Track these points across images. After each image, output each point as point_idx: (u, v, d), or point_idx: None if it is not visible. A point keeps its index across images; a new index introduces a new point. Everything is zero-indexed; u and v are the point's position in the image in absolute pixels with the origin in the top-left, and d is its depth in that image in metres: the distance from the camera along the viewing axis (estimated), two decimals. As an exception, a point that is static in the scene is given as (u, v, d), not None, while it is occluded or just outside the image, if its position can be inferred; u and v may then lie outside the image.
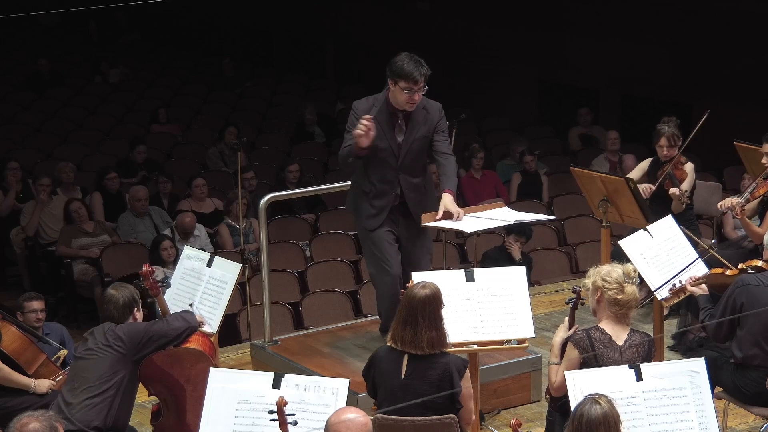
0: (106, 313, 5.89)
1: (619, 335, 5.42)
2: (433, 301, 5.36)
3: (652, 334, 7.17)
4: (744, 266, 6.27)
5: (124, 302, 5.86)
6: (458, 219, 6.77)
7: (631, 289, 5.43)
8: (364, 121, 6.65)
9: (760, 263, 6.20)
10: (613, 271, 5.46)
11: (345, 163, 7.06)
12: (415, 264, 7.04)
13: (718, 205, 8.00)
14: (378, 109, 6.85)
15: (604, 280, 5.43)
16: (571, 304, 5.70)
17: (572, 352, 5.40)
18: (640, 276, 6.76)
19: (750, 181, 8.32)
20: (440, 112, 7.00)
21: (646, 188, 8.14)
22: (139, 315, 5.92)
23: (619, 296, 5.41)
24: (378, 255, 7.05)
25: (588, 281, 5.53)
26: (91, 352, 5.73)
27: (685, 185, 8.12)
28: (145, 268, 6.15)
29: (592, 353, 5.33)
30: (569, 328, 5.57)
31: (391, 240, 7.05)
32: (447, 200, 6.81)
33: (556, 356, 5.54)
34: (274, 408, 4.53)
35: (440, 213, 6.78)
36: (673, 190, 8.00)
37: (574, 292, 5.73)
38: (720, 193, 10.79)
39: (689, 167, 8.25)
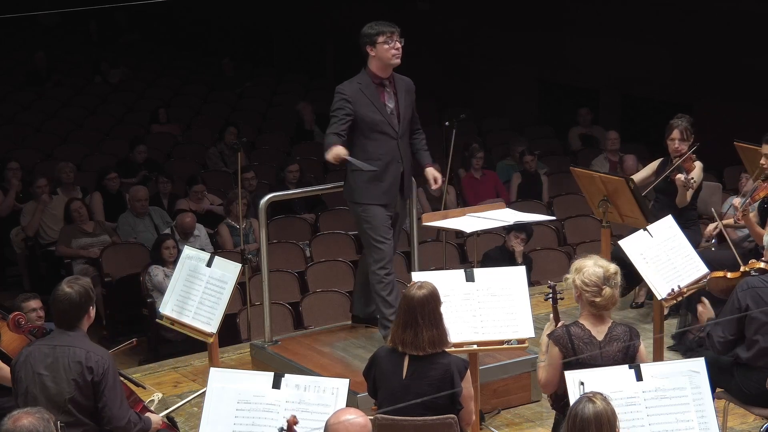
0: (58, 314, 5.42)
1: (600, 330, 5.39)
2: (432, 300, 5.34)
3: (652, 334, 7.20)
4: (746, 269, 6.25)
5: (80, 300, 5.38)
6: (437, 186, 7.06)
7: (609, 291, 5.36)
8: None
9: (762, 265, 6.20)
10: (593, 272, 5.38)
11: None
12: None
13: (705, 233, 8.05)
14: (363, 85, 6.99)
15: (583, 282, 5.37)
16: (550, 300, 5.70)
17: (553, 350, 5.38)
18: (637, 276, 6.79)
19: (747, 181, 8.28)
20: (413, 86, 7.25)
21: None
22: (93, 312, 5.50)
23: (597, 299, 5.37)
24: (377, 246, 7.09)
25: (569, 277, 5.48)
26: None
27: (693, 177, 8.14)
28: (11, 317, 5.78)
29: (572, 350, 5.31)
30: (555, 324, 5.58)
31: (390, 233, 7.12)
32: (433, 170, 7.14)
33: (543, 354, 5.52)
34: (284, 425, 4.40)
35: (433, 182, 7.06)
36: (678, 176, 7.99)
37: (549, 287, 5.73)
38: (720, 193, 10.81)
39: (699, 165, 8.26)
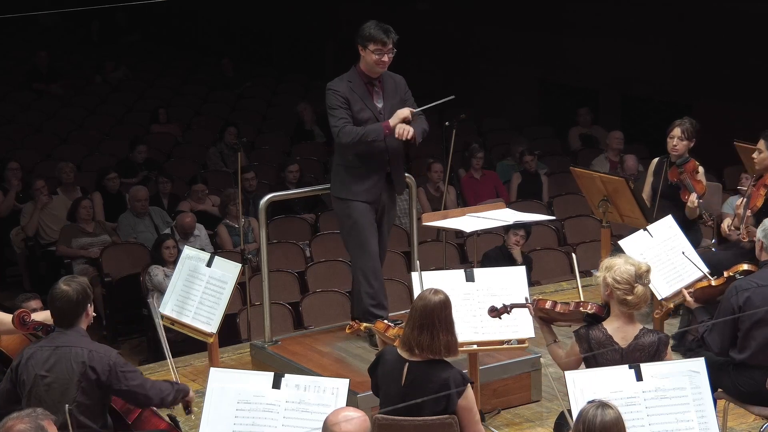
0: (56, 312, 5.45)
1: (626, 335, 5.34)
2: (447, 305, 5.27)
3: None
4: (730, 273, 6.23)
5: (78, 298, 5.42)
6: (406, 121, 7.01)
7: (641, 290, 5.29)
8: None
9: (746, 267, 6.19)
10: (624, 269, 5.31)
11: (362, 143, 7.01)
12: (383, 241, 7.30)
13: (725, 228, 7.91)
14: (354, 83, 7.06)
15: (614, 279, 5.31)
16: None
17: (574, 347, 5.39)
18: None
19: (748, 180, 8.20)
20: (405, 83, 7.29)
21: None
22: (91, 311, 5.53)
23: (629, 297, 5.30)
24: (360, 241, 7.15)
25: (599, 275, 5.43)
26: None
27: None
28: (16, 313, 5.75)
29: (591, 353, 5.30)
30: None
31: (373, 229, 7.18)
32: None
33: (550, 334, 5.63)
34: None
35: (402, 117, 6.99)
36: (692, 198, 7.96)
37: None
38: (720, 193, 10.80)
39: (702, 172, 8.24)
